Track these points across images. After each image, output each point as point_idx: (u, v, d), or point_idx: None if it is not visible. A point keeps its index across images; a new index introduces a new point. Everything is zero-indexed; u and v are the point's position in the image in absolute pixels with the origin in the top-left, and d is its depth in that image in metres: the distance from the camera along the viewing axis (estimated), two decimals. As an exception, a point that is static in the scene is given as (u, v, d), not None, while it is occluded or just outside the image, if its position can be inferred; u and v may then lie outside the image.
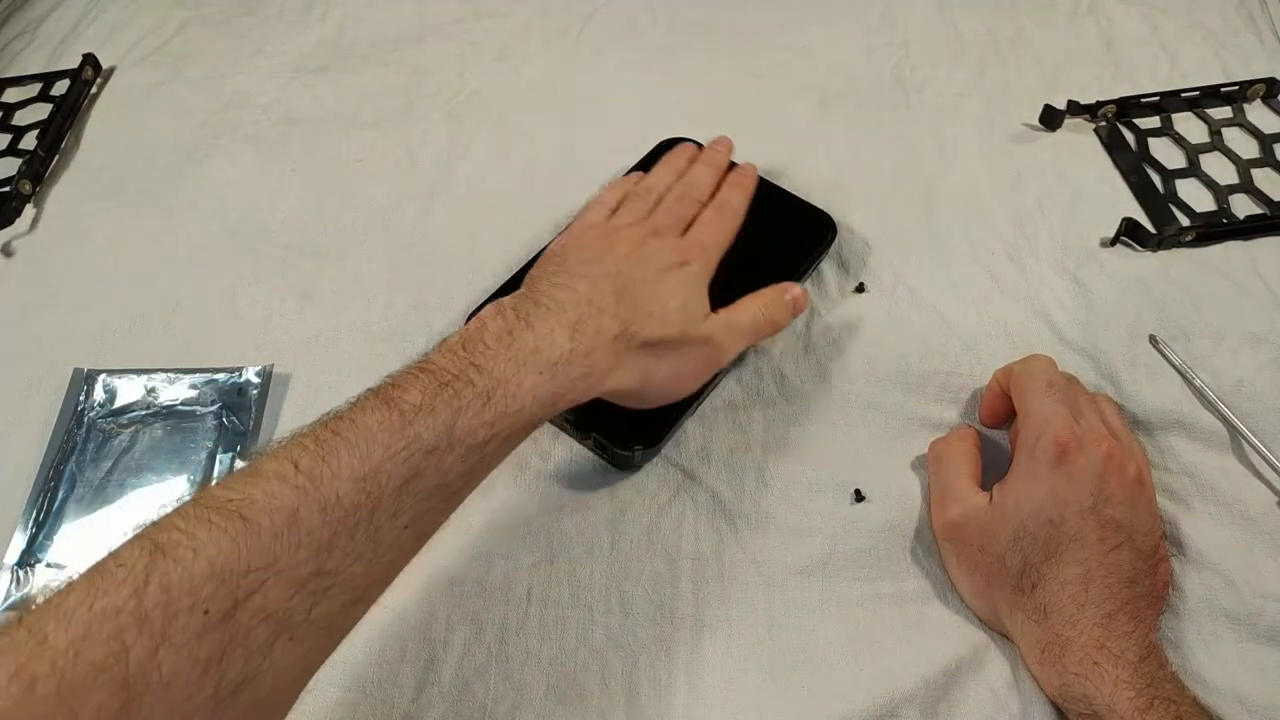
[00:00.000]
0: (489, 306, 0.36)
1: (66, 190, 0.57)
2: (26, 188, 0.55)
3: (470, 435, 0.31)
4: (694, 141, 0.53)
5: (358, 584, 0.29)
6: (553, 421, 0.45)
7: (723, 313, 0.42)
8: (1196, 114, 0.58)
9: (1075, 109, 0.57)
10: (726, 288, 0.46)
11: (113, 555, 0.26)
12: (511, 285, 0.46)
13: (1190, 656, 0.38)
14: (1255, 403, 0.44)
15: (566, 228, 0.45)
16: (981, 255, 0.51)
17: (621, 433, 0.41)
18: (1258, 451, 0.42)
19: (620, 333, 0.37)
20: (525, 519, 0.42)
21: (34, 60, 0.65)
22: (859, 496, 0.42)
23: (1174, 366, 0.46)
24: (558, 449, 0.44)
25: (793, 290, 0.44)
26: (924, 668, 0.37)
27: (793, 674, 0.38)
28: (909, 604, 0.40)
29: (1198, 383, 0.45)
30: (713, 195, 0.46)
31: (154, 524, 0.27)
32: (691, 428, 0.45)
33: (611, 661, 0.38)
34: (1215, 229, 0.51)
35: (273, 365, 0.47)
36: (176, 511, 0.27)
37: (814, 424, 0.45)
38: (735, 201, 0.46)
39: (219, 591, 0.26)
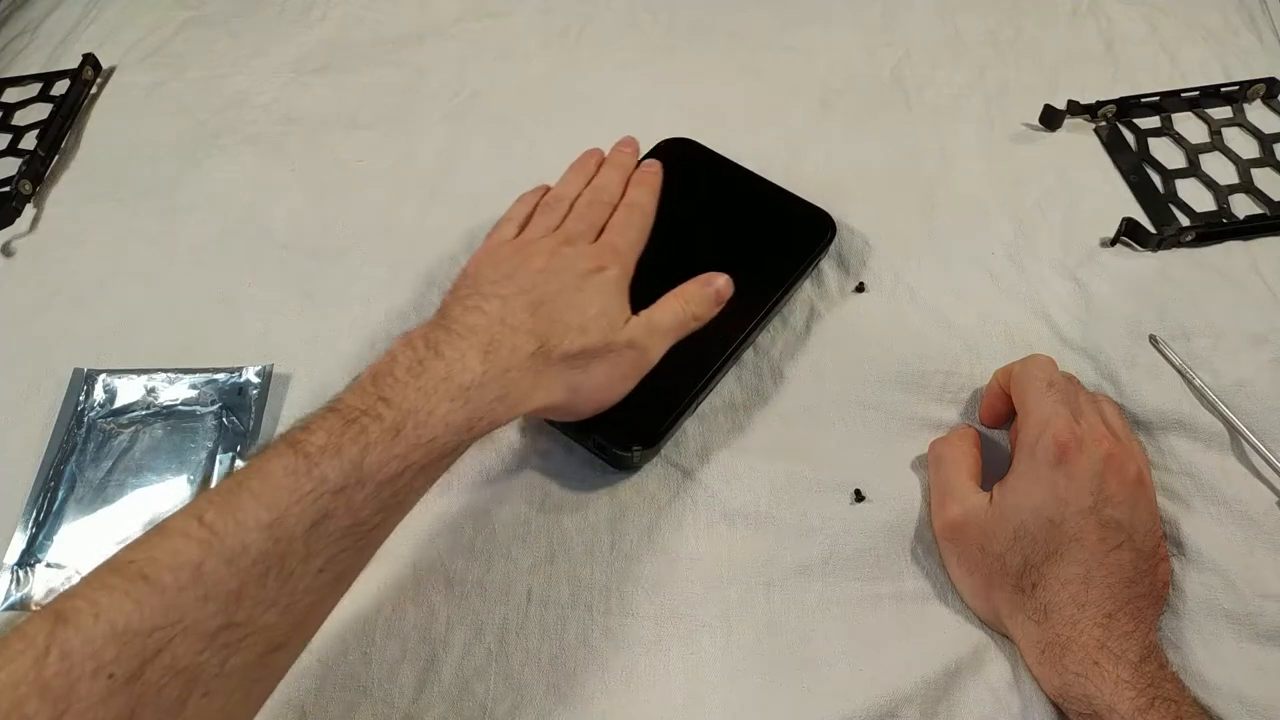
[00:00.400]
0: (399, 338, 0.36)
1: (66, 190, 0.57)
2: (26, 188, 0.55)
3: (380, 470, 0.31)
4: (694, 141, 0.53)
5: (274, 632, 0.29)
6: (552, 423, 0.45)
7: (644, 314, 0.41)
8: (1196, 114, 0.58)
9: (1075, 109, 0.57)
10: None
11: (16, 630, 0.26)
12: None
13: (1190, 656, 0.38)
14: (1255, 403, 0.44)
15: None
16: (981, 255, 0.51)
17: (621, 433, 0.41)
18: (1258, 451, 0.42)
19: (537, 349, 0.36)
20: (525, 519, 0.42)
21: (34, 60, 0.65)
22: (859, 496, 0.42)
23: (1174, 366, 0.46)
24: (558, 449, 0.44)
25: (715, 282, 0.43)
26: (924, 668, 0.37)
27: (793, 674, 0.38)
28: (909, 604, 0.40)
29: (1198, 383, 0.45)
30: (622, 197, 0.46)
31: (60, 595, 0.27)
32: (691, 428, 0.45)
33: (611, 661, 0.38)
34: (1215, 229, 0.51)
35: (273, 365, 0.47)
36: (83, 580, 0.27)
37: (814, 424, 0.45)
38: (643, 200, 0.46)
39: (123, 653, 0.25)
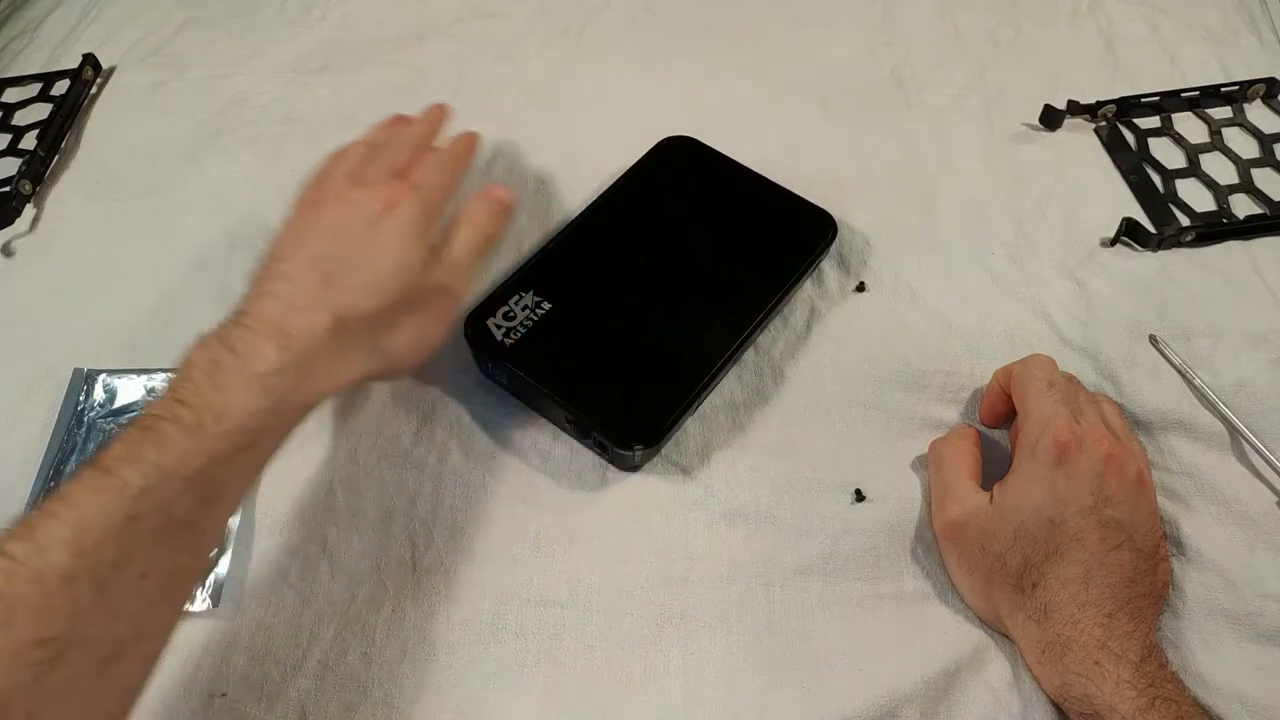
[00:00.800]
0: (195, 342, 0.35)
1: (66, 190, 0.57)
2: (26, 188, 0.55)
3: (184, 466, 0.31)
4: (695, 140, 0.53)
5: (101, 644, 0.29)
6: (553, 421, 0.45)
7: (442, 254, 0.41)
8: (1196, 114, 0.58)
9: (1075, 109, 0.57)
10: (728, 285, 0.46)
11: None
12: (511, 286, 0.46)
13: (1190, 656, 0.38)
14: (1255, 403, 0.44)
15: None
16: (982, 255, 0.51)
17: (621, 432, 0.41)
18: (1258, 451, 0.42)
19: (332, 324, 0.36)
20: (525, 519, 0.42)
21: (34, 60, 0.65)
22: (859, 496, 0.42)
23: (1174, 366, 0.46)
24: (558, 449, 0.44)
25: (494, 193, 0.43)
26: (924, 668, 0.37)
27: (793, 674, 0.38)
28: (909, 604, 0.40)
29: (1198, 383, 0.45)
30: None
31: None
32: (691, 427, 0.45)
33: (611, 661, 0.38)
34: (1215, 229, 0.51)
35: (273, 365, 0.47)
36: None
37: (814, 424, 0.45)
38: (459, 147, 0.45)
39: None
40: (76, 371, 0.47)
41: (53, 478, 0.43)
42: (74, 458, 0.44)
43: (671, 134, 0.54)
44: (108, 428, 0.45)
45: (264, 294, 0.37)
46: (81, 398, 0.46)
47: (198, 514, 0.32)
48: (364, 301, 0.37)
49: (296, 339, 0.35)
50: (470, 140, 0.47)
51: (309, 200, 0.41)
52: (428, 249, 0.39)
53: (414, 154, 0.43)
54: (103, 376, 0.47)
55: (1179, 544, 0.41)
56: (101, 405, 0.46)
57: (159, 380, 0.47)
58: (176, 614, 0.33)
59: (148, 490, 0.30)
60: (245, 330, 0.35)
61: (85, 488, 0.30)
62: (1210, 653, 0.38)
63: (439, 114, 0.48)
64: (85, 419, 0.45)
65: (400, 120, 0.47)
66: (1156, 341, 0.47)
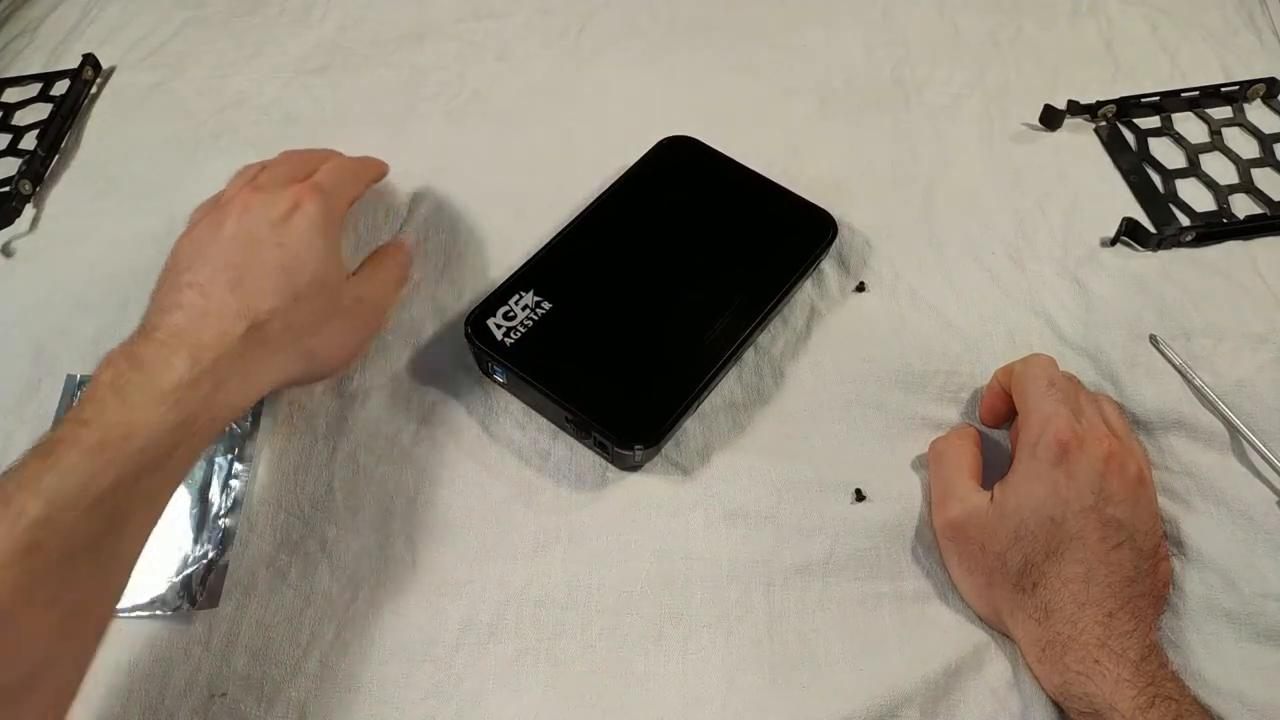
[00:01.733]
0: (103, 359, 0.34)
1: (66, 190, 0.57)
2: (26, 188, 0.55)
3: (85, 492, 0.30)
4: (695, 140, 0.53)
5: (3, 675, 0.28)
6: (553, 420, 0.45)
7: (364, 270, 0.43)
8: (1196, 114, 0.58)
9: (1075, 109, 0.57)
10: (728, 285, 0.46)
11: None
12: (511, 285, 0.46)
13: (1190, 656, 0.38)
14: (1255, 403, 0.44)
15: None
16: (981, 255, 0.51)
17: (621, 432, 0.41)
18: (1258, 451, 0.42)
19: (248, 330, 0.35)
20: (525, 519, 0.42)
21: (34, 60, 0.65)
22: (859, 496, 0.42)
23: (1174, 366, 0.46)
24: (558, 449, 0.44)
25: (401, 244, 0.48)
26: (924, 668, 0.37)
27: (793, 674, 0.38)
28: (909, 604, 0.40)
29: (1198, 382, 0.45)
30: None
31: None
32: (692, 427, 0.45)
33: (611, 661, 0.38)
34: (1215, 229, 0.51)
35: (273, 365, 0.47)
36: None
37: (814, 424, 0.45)
38: (368, 159, 0.47)
39: None
40: (69, 378, 0.47)
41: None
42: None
43: (671, 134, 0.54)
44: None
45: (171, 306, 0.36)
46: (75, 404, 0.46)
47: (105, 539, 0.31)
48: (278, 301, 0.36)
49: (210, 348, 0.34)
50: (374, 161, 0.49)
51: (208, 212, 0.40)
52: (337, 246, 0.39)
53: (315, 161, 0.43)
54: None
55: (1179, 544, 0.41)
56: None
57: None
58: (91, 644, 0.31)
59: (47, 519, 0.29)
60: (153, 344, 0.34)
61: None
62: (1210, 652, 0.38)
63: (330, 153, 0.49)
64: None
65: (292, 152, 0.47)
66: (1156, 341, 0.47)
